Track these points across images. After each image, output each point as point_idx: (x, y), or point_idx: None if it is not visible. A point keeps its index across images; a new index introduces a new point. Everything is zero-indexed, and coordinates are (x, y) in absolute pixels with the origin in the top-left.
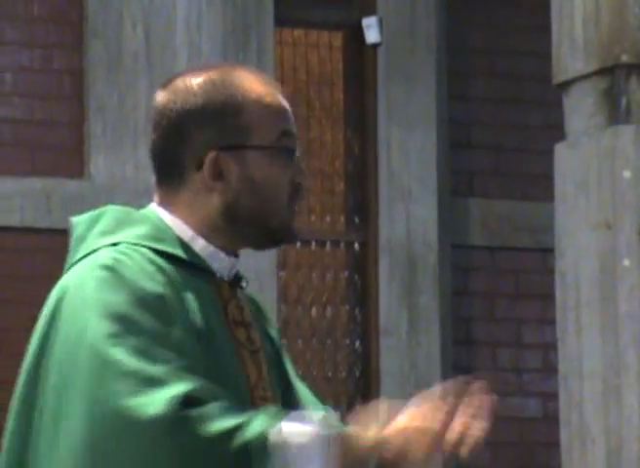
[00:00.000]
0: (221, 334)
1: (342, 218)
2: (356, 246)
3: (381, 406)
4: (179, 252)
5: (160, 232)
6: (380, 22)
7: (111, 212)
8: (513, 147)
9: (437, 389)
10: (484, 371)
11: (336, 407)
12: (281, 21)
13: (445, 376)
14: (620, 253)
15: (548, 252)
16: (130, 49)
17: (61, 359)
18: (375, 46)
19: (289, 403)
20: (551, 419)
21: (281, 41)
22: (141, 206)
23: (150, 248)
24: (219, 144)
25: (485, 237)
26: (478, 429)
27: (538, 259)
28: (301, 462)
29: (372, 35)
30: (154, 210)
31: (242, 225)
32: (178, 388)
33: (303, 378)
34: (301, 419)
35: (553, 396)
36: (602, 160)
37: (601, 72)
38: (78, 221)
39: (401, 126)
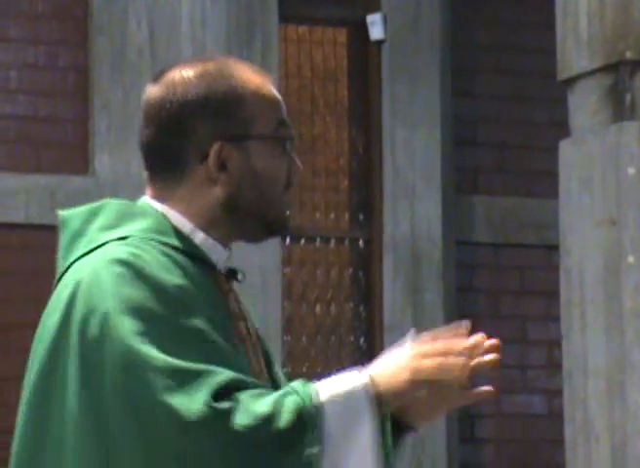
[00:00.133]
0: (229, 327)
1: (347, 215)
2: (361, 243)
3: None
4: (182, 244)
5: (162, 225)
6: (385, 19)
7: (111, 205)
8: (518, 144)
9: (444, 331)
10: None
11: None
12: (285, 18)
13: None
14: (624, 249)
15: (553, 248)
16: (134, 45)
17: (85, 359)
18: (379, 43)
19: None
20: (556, 416)
21: (285, 38)
22: None
23: (159, 241)
24: (222, 136)
25: (489, 234)
26: (492, 356)
27: (542, 256)
28: (350, 412)
29: (376, 32)
30: (149, 202)
31: (242, 216)
32: (215, 380)
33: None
34: (328, 380)
35: (558, 393)
36: (607, 157)
37: (606, 69)
38: (71, 215)
39: (405, 123)
